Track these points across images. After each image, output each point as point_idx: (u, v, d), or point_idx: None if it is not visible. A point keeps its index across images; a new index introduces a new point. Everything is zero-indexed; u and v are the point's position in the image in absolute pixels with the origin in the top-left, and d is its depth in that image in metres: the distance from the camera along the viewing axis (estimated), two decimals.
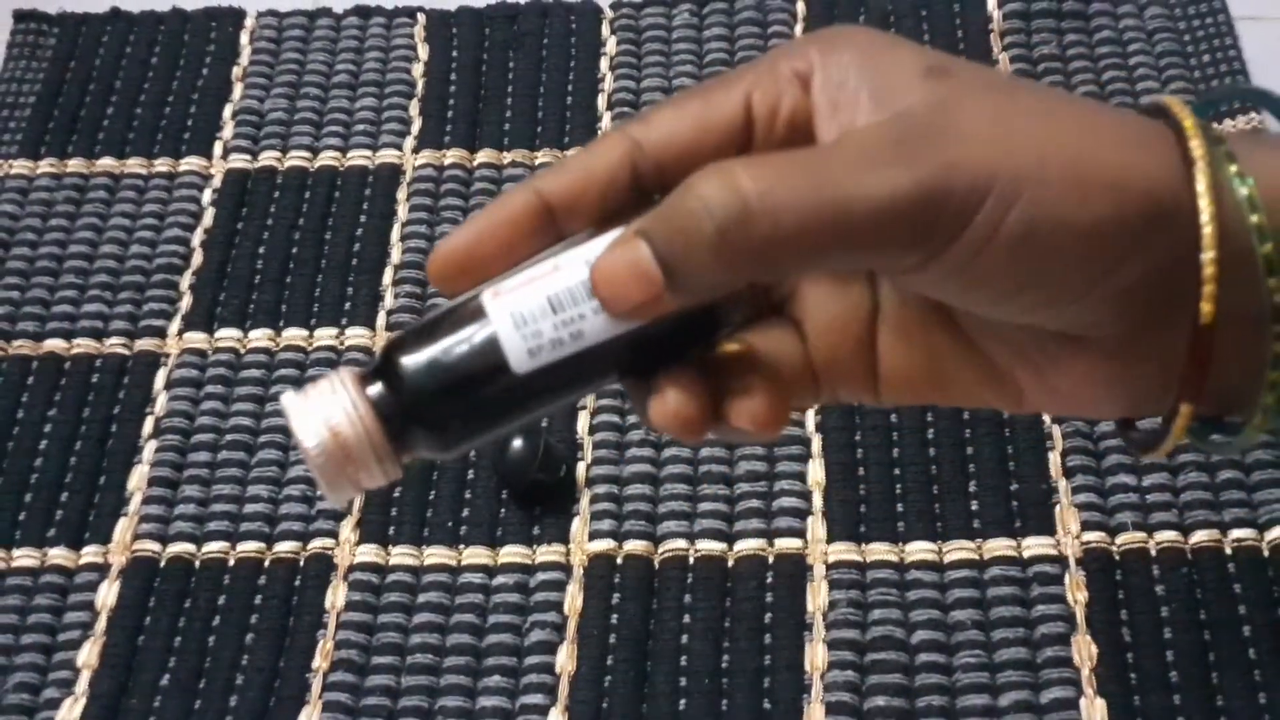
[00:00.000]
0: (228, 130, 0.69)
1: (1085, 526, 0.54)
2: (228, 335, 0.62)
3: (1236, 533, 0.53)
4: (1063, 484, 0.55)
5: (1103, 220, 0.26)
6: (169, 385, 0.61)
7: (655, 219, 0.26)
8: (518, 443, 0.55)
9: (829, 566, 0.54)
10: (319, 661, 0.53)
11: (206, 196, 0.66)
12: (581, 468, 0.57)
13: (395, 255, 0.64)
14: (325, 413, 0.26)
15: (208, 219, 0.66)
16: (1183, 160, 0.27)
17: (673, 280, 0.26)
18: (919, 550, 0.54)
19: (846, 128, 0.27)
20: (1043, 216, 0.26)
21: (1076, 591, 0.52)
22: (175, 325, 0.62)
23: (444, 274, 0.28)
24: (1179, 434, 0.29)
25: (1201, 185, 0.27)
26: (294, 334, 0.62)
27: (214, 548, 0.56)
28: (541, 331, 0.26)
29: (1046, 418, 0.56)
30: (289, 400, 0.27)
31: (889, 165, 0.26)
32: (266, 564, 0.56)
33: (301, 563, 0.56)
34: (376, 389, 0.27)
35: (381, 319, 0.62)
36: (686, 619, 0.53)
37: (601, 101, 0.68)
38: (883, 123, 0.27)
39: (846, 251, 0.26)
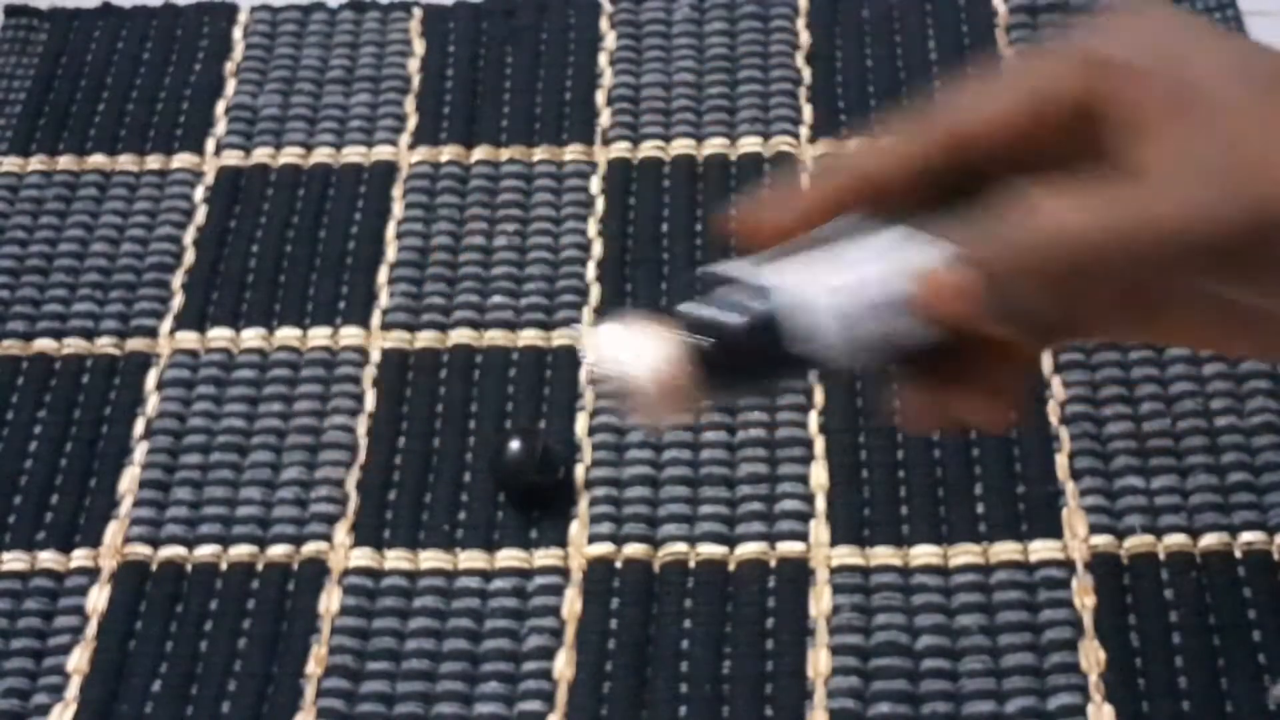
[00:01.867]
0: (220, 126, 0.68)
1: (1093, 530, 0.53)
2: (220, 335, 0.61)
3: (1246, 536, 0.53)
4: (1070, 486, 0.54)
5: None
6: (160, 385, 0.60)
7: (984, 245, 0.27)
8: (514, 444, 0.54)
9: (832, 570, 0.53)
10: (312, 667, 0.52)
11: (199, 194, 0.66)
12: (580, 469, 0.56)
13: (390, 253, 0.63)
14: (655, 354, 0.30)
15: (200, 217, 0.65)
16: None
17: (994, 308, 0.27)
18: (923, 554, 0.53)
19: (1170, 146, 0.27)
20: None
21: (1084, 596, 0.52)
22: (167, 325, 0.62)
23: (752, 236, 0.30)
24: None
25: None
26: (287, 333, 0.61)
27: (206, 551, 0.55)
28: (857, 331, 0.29)
29: (1053, 418, 0.56)
30: (611, 331, 0.30)
31: (1214, 202, 0.25)
32: (259, 568, 0.55)
33: (295, 566, 0.55)
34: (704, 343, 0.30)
35: (376, 318, 0.61)
36: (687, 623, 0.52)
37: (600, 97, 0.67)
38: (1205, 151, 0.26)
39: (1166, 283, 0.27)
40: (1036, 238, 0.26)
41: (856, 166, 0.30)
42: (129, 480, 0.57)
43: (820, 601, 0.52)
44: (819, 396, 0.57)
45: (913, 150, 0.30)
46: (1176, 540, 0.53)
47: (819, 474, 0.55)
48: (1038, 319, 0.27)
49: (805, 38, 0.69)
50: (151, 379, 0.60)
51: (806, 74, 0.67)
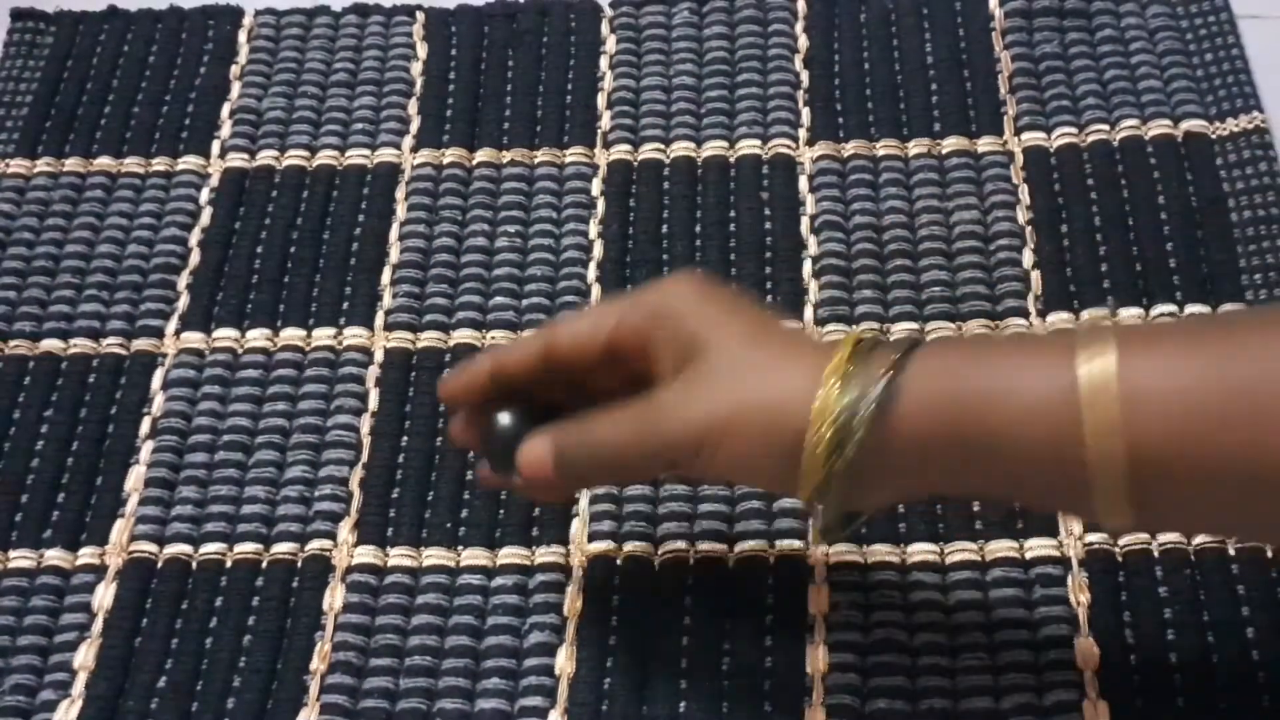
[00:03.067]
0: (225, 129, 0.68)
1: (1088, 528, 0.53)
2: (225, 335, 0.62)
3: None
4: None
5: (771, 450, 0.42)
6: (166, 385, 0.60)
7: (564, 441, 0.47)
8: (505, 418, 0.49)
9: (830, 568, 0.53)
10: (316, 663, 0.53)
11: (204, 196, 0.66)
12: None
13: (394, 255, 0.63)
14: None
15: (205, 218, 0.65)
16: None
17: (560, 468, 0.47)
18: (921, 552, 0.54)
19: (674, 385, 0.45)
20: (735, 451, 0.43)
21: (1079, 593, 0.52)
22: (172, 325, 0.62)
23: (448, 401, 0.54)
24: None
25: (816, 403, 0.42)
26: (291, 334, 0.62)
27: (211, 549, 0.56)
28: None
29: None
30: None
31: (639, 434, 0.45)
32: (264, 565, 0.55)
33: (299, 564, 0.55)
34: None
35: (380, 319, 0.62)
36: (687, 621, 0.53)
37: (601, 100, 0.68)
38: (637, 405, 0.45)
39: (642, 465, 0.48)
40: (593, 441, 0.46)
41: (495, 361, 0.48)
42: (135, 479, 0.58)
43: (819, 599, 0.53)
44: None
45: (525, 357, 0.48)
46: (1171, 538, 0.53)
47: None
48: (584, 478, 0.51)
49: (803, 41, 0.69)
50: (157, 379, 0.61)
51: (805, 77, 0.68)
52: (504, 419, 0.48)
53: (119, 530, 0.56)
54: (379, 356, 0.61)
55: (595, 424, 0.45)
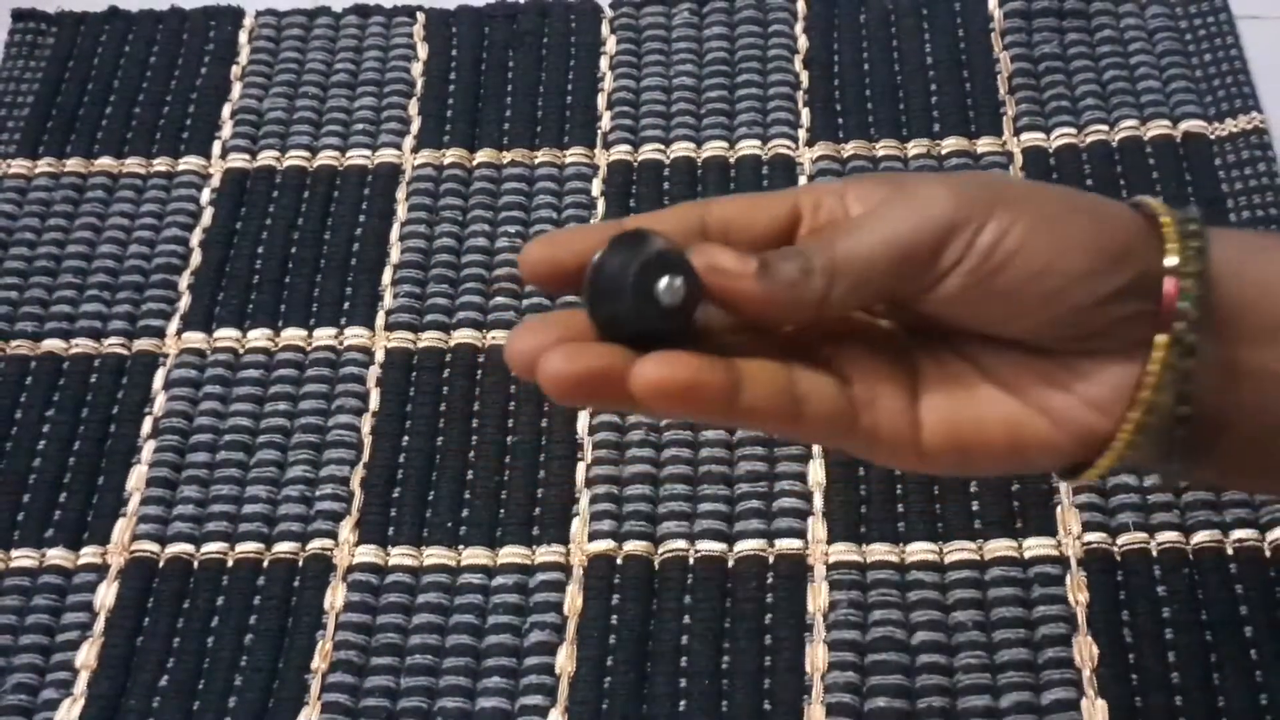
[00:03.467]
0: (226, 130, 0.68)
1: (1086, 527, 0.54)
2: (226, 335, 0.62)
3: (1238, 533, 0.53)
4: (1064, 484, 0.55)
5: (1088, 230, 0.34)
6: (167, 385, 0.60)
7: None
8: (640, 239, 0.33)
9: (829, 567, 0.54)
10: (318, 662, 0.53)
11: (205, 196, 0.66)
12: (581, 468, 0.57)
13: (394, 255, 0.64)
14: None
15: (206, 219, 0.66)
16: (1151, 228, 0.34)
17: (764, 274, 0.33)
18: (920, 551, 0.54)
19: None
20: (1039, 227, 0.33)
21: (1078, 592, 0.52)
22: (174, 325, 0.62)
23: (535, 275, 0.34)
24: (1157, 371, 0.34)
25: (1168, 229, 0.34)
26: (293, 334, 0.62)
27: (213, 548, 0.56)
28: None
29: None
30: None
31: (913, 204, 0.33)
32: (265, 564, 0.56)
33: (300, 563, 0.55)
34: None
35: (380, 319, 0.62)
36: (686, 620, 0.53)
37: (601, 101, 0.68)
38: (902, 193, 0.34)
39: (892, 266, 0.33)
40: (843, 233, 0.34)
41: (628, 220, 0.34)
42: (137, 478, 0.58)
43: (818, 598, 0.53)
44: None
45: (670, 219, 0.34)
46: (1169, 537, 0.53)
47: (816, 472, 0.56)
48: (802, 291, 0.33)
49: (803, 42, 0.69)
50: (159, 379, 0.61)
51: (804, 78, 0.68)
52: (639, 241, 0.32)
53: (121, 529, 0.57)
54: (380, 356, 0.61)
55: (809, 238, 0.34)
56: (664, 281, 0.31)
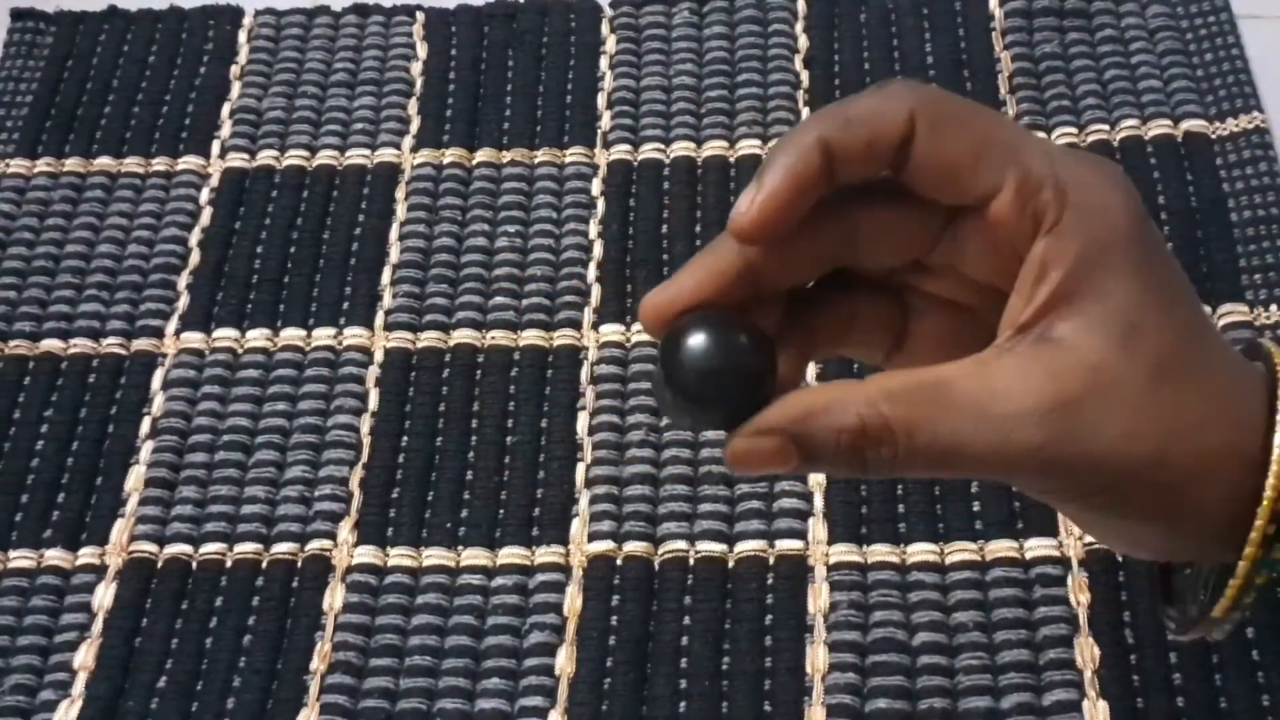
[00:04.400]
0: (225, 129, 0.68)
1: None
2: (225, 335, 0.62)
3: None
4: None
5: (1164, 518, 0.31)
6: (166, 385, 0.60)
7: (819, 428, 0.30)
8: (725, 332, 0.33)
9: (830, 568, 0.53)
10: (316, 663, 0.53)
11: (204, 196, 0.66)
12: (581, 468, 0.57)
13: (394, 255, 0.63)
14: None
15: (205, 218, 0.65)
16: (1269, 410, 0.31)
17: (806, 468, 0.31)
18: (920, 552, 0.54)
19: (1026, 317, 0.30)
20: (1128, 505, 0.31)
21: (1079, 593, 0.52)
22: (172, 325, 0.62)
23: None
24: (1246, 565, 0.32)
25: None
26: (292, 334, 0.62)
27: (211, 549, 0.56)
28: None
29: None
30: None
31: (1025, 435, 0.29)
32: (264, 565, 0.55)
33: (299, 564, 0.55)
34: None
35: (380, 319, 0.62)
36: (686, 620, 0.53)
37: (601, 100, 0.68)
38: (1037, 365, 0.29)
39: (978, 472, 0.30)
40: (850, 438, 0.30)
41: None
42: (135, 479, 0.58)
43: (818, 598, 0.53)
44: None
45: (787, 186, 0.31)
46: None
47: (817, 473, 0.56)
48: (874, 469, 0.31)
49: (803, 41, 0.69)
50: (157, 379, 0.61)
51: (805, 78, 0.68)
52: (724, 333, 0.31)
53: (119, 530, 0.57)
54: (379, 356, 0.61)
55: (900, 407, 0.30)
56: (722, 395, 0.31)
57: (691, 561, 0.54)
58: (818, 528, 0.54)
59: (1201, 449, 0.31)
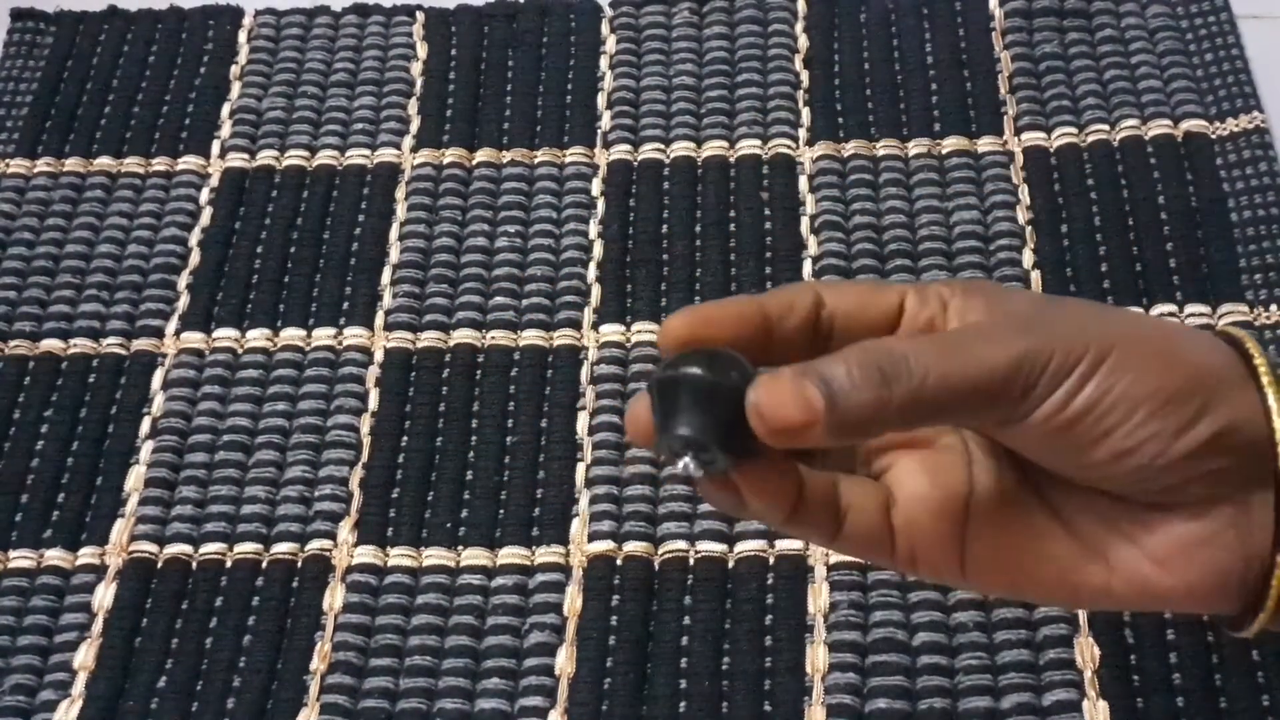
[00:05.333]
0: (225, 129, 0.68)
1: None
2: (225, 335, 0.62)
3: None
4: None
5: (1167, 385, 0.32)
6: (166, 385, 0.60)
7: (832, 361, 0.31)
8: (712, 358, 0.33)
9: (830, 568, 0.53)
10: (317, 663, 0.53)
11: (204, 196, 0.66)
12: (581, 468, 0.57)
13: (394, 255, 0.63)
14: None
15: (205, 218, 0.65)
16: (1245, 365, 0.33)
17: (831, 414, 0.31)
18: None
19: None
20: (1123, 379, 0.32)
21: None
22: (172, 325, 0.62)
23: (673, 341, 0.33)
24: (1273, 604, 0.33)
25: (1264, 375, 0.33)
26: (292, 334, 0.62)
27: (211, 549, 0.56)
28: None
29: None
30: None
31: (1003, 339, 0.32)
32: (264, 565, 0.55)
33: (299, 564, 0.55)
34: None
35: (380, 319, 0.62)
36: (687, 620, 0.53)
37: (601, 100, 0.68)
38: (996, 317, 0.34)
39: (969, 403, 0.32)
40: (870, 357, 0.31)
41: (761, 302, 0.34)
42: (135, 479, 0.58)
43: (818, 598, 0.53)
44: None
45: (799, 300, 0.34)
46: None
47: None
48: (866, 427, 0.32)
49: (803, 42, 0.69)
50: (157, 379, 0.61)
51: (804, 77, 0.68)
52: (711, 360, 0.32)
53: (119, 530, 0.56)
54: (379, 356, 0.61)
55: (899, 344, 0.32)
56: (698, 456, 0.32)
57: (691, 561, 0.54)
58: None
59: (1173, 325, 0.34)
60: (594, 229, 0.64)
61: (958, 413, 0.32)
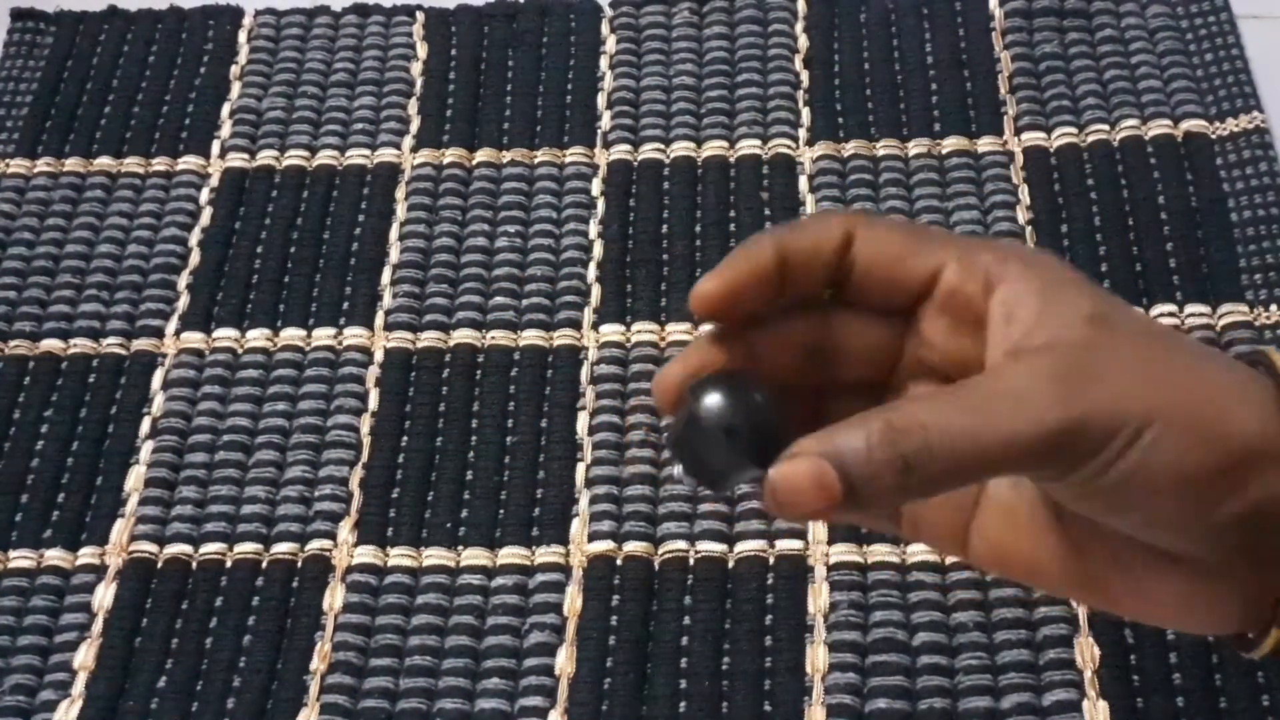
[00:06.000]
0: (225, 129, 0.68)
1: None
2: (225, 335, 0.62)
3: None
4: None
5: (1204, 467, 0.31)
6: (166, 385, 0.60)
7: (850, 435, 0.30)
8: (736, 394, 0.32)
9: (830, 568, 0.53)
10: (317, 663, 0.53)
11: (204, 196, 0.66)
12: (581, 468, 0.57)
13: (394, 255, 0.63)
14: None
15: (205, 218, 0.65)
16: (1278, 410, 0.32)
17: (848, 499, 0.30)
18: (921, 551, 0.54)
19: (1011, 345, 0.32)
20: (1156, 458, 0.31)
21: None
22: (172, 325, 0.62)
23: (705, 311, 0.33)
24: (1271, 645, 0.34)
25: None
26: (292, 334, 0.62)
27: (211, 549, 0.56)
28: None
29: None
30: None
31: (1040, 406, 0.30)
32: (264, 565, 0.55)
33: (299, 564, 0.55)
34: None
35: (380, 319, 0.62)
36: (687, 620, 0.53)
37: (601, 100, 0.68)
38: (1038, 359, 0.31)
39: (992, 474, 0.32)
40: (891, 436, 0.30)
41: (781, 242, 0.33)
42: (135, 479, 0.58)
43: (818, 598, 0.53)
44: None
45: (823, 239, 0.33)
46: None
47: None
48: (886, 502, 0.31)
49: (803, 42, 0.69)
50: (157, 379, 0.61)
51: (805, 78, 0.68)
52: (735, 395, 0.32)
53: (119, 530, 0.57)
54: (379, 356, 0.61)
55: (922, 415, 0.30)
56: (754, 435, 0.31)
57: (691, 561, 0.54)
58: (818, 528, 0.54)
59: (1219, 380, 0.32)
60: (594, 229, 0.64)
61: (982, 478, 0.32)
